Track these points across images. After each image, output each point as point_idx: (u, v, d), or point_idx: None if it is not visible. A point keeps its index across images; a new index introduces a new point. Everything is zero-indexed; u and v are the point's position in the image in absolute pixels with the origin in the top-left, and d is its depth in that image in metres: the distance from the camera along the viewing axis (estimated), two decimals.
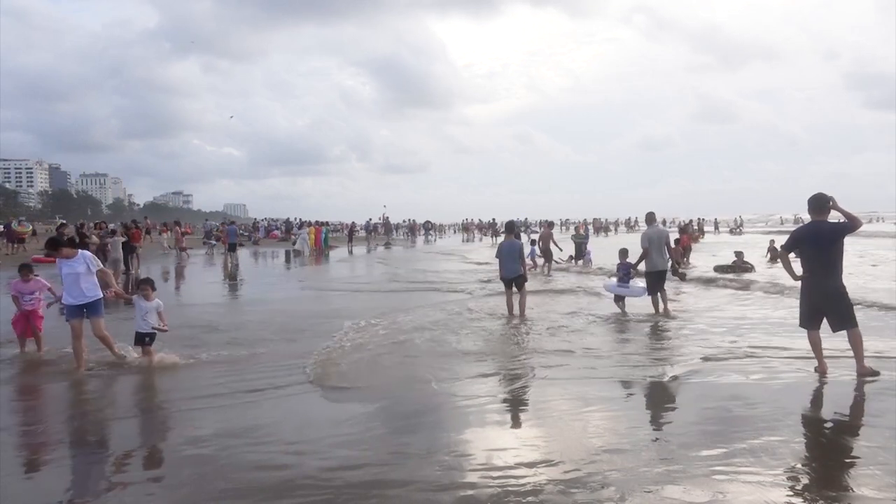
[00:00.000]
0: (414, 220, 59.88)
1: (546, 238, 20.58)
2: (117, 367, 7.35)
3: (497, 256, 11.30)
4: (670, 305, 11.03)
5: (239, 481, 4.19)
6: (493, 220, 54.25)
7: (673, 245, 11.69)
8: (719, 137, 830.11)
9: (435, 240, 53.18)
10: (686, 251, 22.55)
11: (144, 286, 7.63)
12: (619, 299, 11.31)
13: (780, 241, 22.90)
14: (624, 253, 11.58)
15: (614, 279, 11.82)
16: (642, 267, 11.15)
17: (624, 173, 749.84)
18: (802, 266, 6.73)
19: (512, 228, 11.95)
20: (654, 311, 10.84)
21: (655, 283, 10.91)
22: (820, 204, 6.63)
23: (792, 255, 6.90)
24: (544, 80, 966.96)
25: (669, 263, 11.07)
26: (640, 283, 11.24)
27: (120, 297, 7.76)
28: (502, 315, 10.89)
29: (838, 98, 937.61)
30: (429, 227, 57.60)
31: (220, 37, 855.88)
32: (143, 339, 7.49)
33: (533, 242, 21.91)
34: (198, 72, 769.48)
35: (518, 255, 11.04)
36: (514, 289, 10.96)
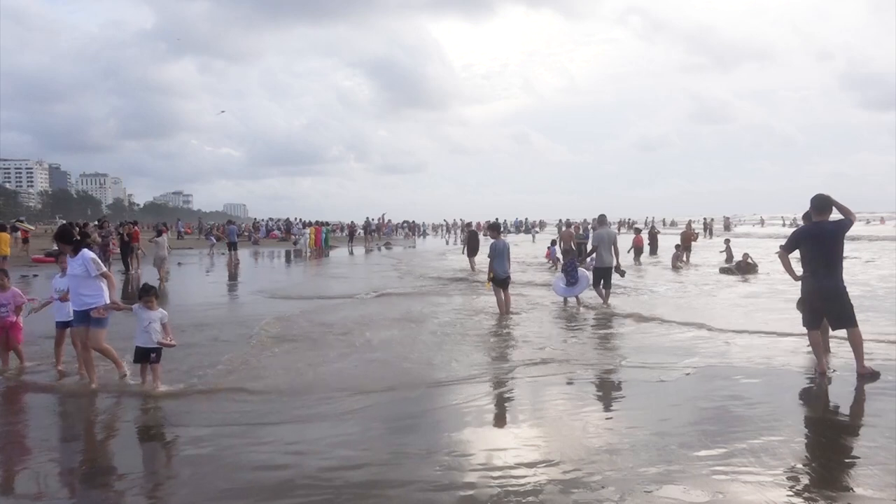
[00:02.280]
0: (389, 220, 60.00)
1: (567, 238, 21.31)
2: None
3: (489, 257, 11.53)
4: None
5: (239, 481, 4.19)
6: (496, 219, 54.69)
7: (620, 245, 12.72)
8: (716, 137, 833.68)
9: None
10: (686, 250, 22.65)
11: (148, 294, 6.64)
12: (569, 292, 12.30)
13: (735, 243, 23.28)
14: (567, 252, 12.61)
15: (560, 276, 12.76)
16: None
17: (622, 173, 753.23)
18: (803, 266, 6.75)
19: (498, 229, 12.26)
20: (601, 302, 11.91)
21: (601, 277, 12.09)
22: (822, 204, 6.66)
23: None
24: (540, 82, 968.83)
25: (615, 262, 12.12)
26: (586, 273, 12.36)
27: (118, 309, 6.68)
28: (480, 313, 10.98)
29: (833, 98, 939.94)
30: (406, 227, 57.73)
31: (215, 38, 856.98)
32: (148, 356, 6.49)
33: (553, 242, 22.54)
34: (194, 72, 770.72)
35: (508, 255, 11.49)
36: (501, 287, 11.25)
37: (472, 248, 21.45)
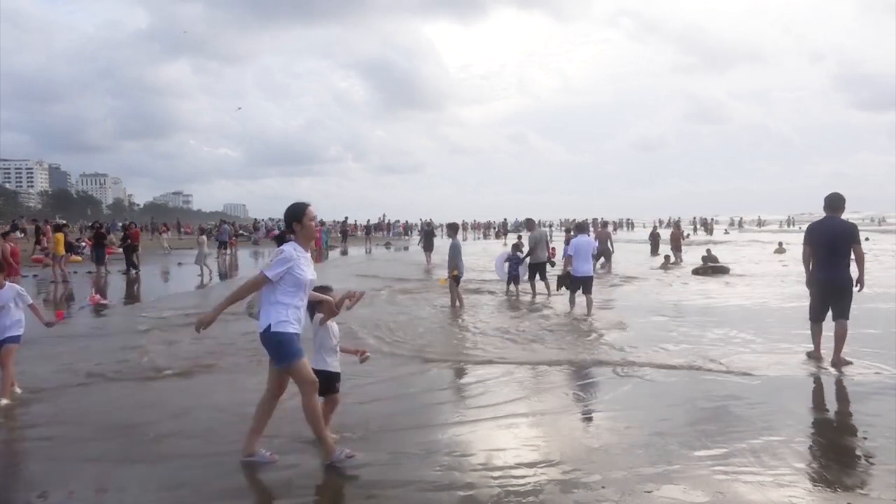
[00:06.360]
0: (389, 221, 60.06)
1: (604, 238, 21.04)
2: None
3: (453, 255, 12.14)
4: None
5: (239, 481, 4.19)
6: (504, 220, 60.19)
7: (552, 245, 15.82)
8: (715, 137, 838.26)
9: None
10: (677, 250, 22.73)
11: (328, 294, 4.78)
12: (510, 282, 14.21)
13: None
14: (516, 247, 15.34)
15: (506, 265, 14.53)
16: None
17: (622, 173, 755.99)
18: (812, 259, 7.02)
19: (456, 229, 13.43)
20: (531, 294, 13.64)
21: (537, 270, 13.99)
22: (835, 202, 6.94)
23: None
24: (538, 82, 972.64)
25: (546, 256, 14.41)
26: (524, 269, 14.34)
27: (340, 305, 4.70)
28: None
29: (828, 99, 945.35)
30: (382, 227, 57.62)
31: (211, 39, 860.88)
32: (334, 384, 4.76)
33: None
34: (190, 73, 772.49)
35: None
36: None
37: (428, 245, 24.61)
